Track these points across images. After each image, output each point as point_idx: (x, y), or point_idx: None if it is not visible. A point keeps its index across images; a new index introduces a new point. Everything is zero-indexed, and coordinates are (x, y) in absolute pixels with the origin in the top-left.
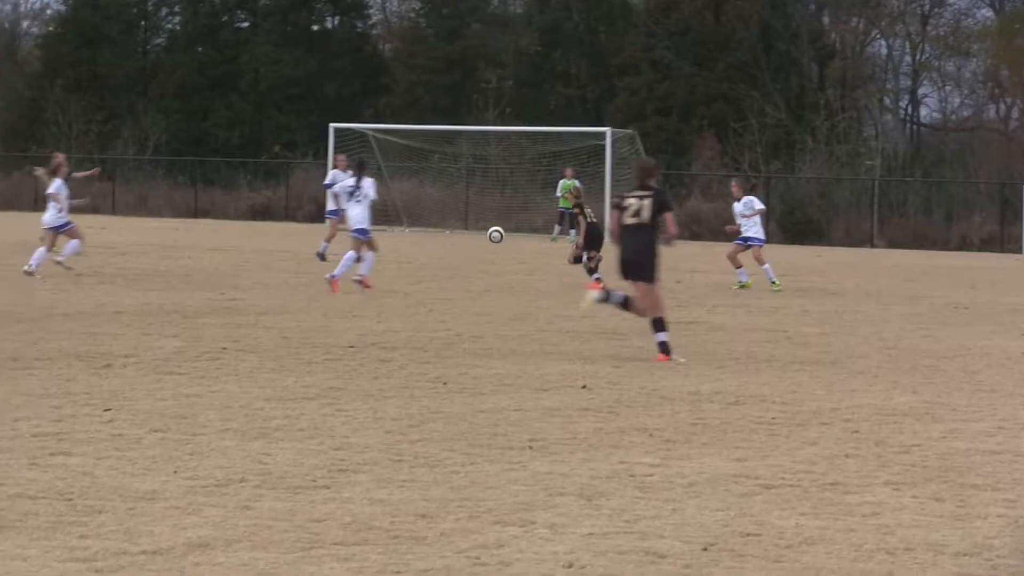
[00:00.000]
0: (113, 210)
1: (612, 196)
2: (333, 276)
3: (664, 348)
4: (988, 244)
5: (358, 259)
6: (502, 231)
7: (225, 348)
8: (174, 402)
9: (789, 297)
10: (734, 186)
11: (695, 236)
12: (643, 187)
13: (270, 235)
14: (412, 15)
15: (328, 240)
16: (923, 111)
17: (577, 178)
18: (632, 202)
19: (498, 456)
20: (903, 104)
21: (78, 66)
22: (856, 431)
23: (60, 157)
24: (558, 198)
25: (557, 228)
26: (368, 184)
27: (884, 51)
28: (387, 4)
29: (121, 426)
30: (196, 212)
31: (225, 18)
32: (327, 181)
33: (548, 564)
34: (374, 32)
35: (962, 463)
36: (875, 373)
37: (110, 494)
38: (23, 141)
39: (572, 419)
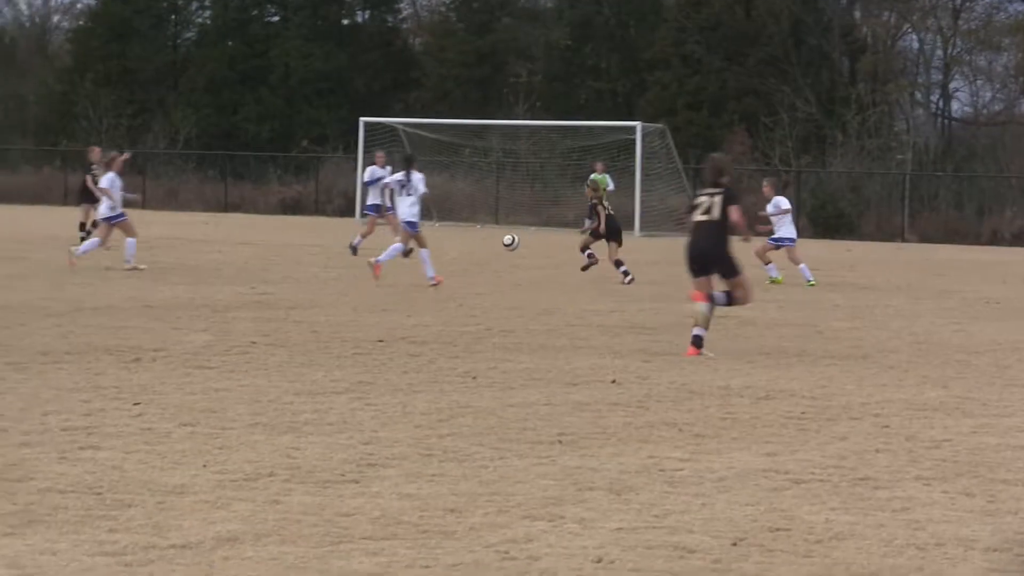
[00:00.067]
0: (143, 204)
1: (640, 191)
2: (377, 260)
3: (697, 343)
4: (1019, 238)
5: (406, 253)
6: (517, 237)
7: (255, 342)
8: (203, 396)
9: (820, 292)
10: (766, 186)
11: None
12: (715, 184)
13: (300, 229)
14: (442, 9)
15: (364, 236)
16: (954, 105)
17: (608, 172)
18: (703, 199)
19: (527, 450)
20: (934, 98)
21: (108, 60)
22: (886, 426)
23: (116, 154)
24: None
25: (588, 222)
26: (418, 178)
27: (915, 45)
28: None
29: (150, 420)
30: (226, 206)
31: (255, 12)
32: (366, 178)
33: (577, 558)
34: (404, 26)
35: (993, 458)
36: (906, 368)
37: (139, 488)
38: (54, 135)
39: (602, 414)
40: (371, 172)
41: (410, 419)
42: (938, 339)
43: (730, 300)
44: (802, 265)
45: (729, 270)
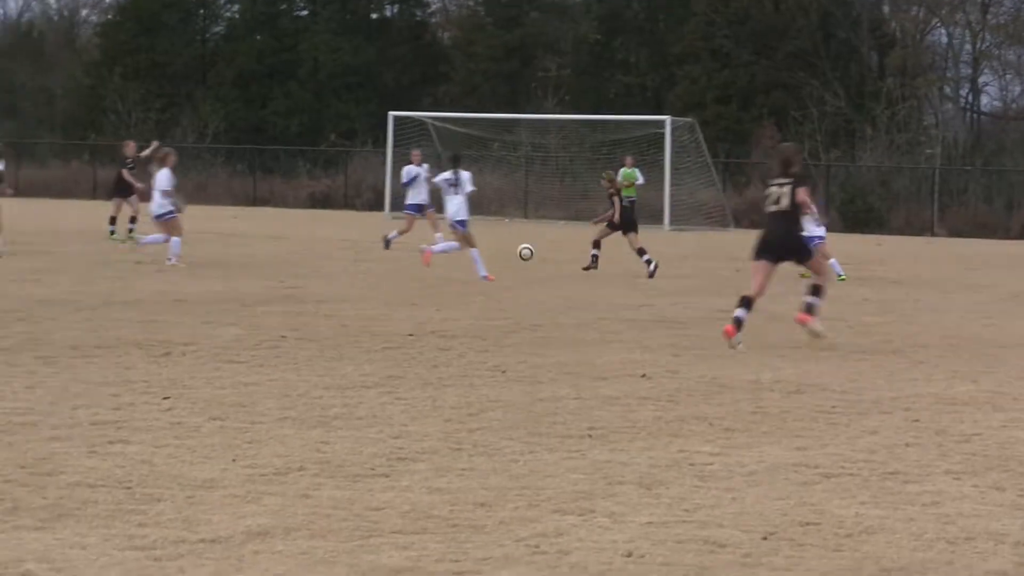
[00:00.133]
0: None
1: (669, 185)
2: (431, 248)
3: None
4: None
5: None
6: (532, 248)
7: (284, 336)
8: (233, 390)
9: (849, 286)
10: None
11: (755, 224)
12: (784, 174)
13: (329, 223)
14: (471, 3)
15: (402, 233)
16: (983, 99)
17: (637, 166)
18: (773, 190)
19: (557, 445)
20: (963, 92)
21: (137, 54)
22: (917, 420)
23: (168, 150)
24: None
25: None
26: (465, 177)
27: (944, 39)
28: None
29: (180, 414)
30: (255, 200)
31: (284, 6)
32: (404, 179)
33: (607, 553)
34: (433, 20)
35: (1023, 452)
36: (936, 362)
37: (169, 482)
38: (82, 129)
39: (632, 408)
40: (407, 172)
41: (440, 413)
42: (968, 333)
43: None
44: (832, 260)
45: (804, 255)
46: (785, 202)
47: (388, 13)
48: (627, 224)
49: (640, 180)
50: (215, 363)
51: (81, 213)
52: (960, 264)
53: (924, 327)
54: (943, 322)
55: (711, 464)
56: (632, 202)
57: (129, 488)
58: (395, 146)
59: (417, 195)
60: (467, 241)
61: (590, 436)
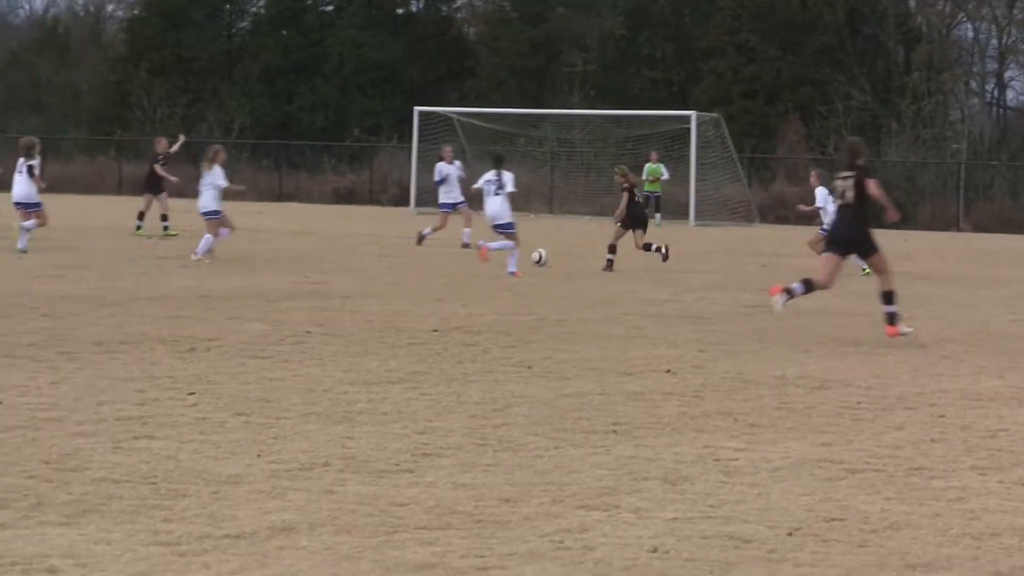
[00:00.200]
0: (197, 193)
1: (695, 180)
2: (489, 245)
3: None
4: None
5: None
6: (543, 253)
7: (309, 332)
8: (258, 386)
9: (874, 281)
10: (812, 176)
11: (780, 220)
12: (850, 167)
13: (354, 219)
14: None
15: (436, 229)
16: (1009, 94)
17: (662, 161)
18: (838, 183)
19: (582, 440)
20: (989, 87)
21: (163, 49)
22: (942, 416)
23: (218, 147)
24: (644, 181)
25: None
26: (508, 178)
27: (970, 34)
28: None
29: (205, 410)
30: (280, 196)
31: (310, 1)
32: (437, 178)
33: (632, 548)
34: (459, 16)
35: None
36: (961, 357)
37: (194, 478)
38: (108, 124)
39: (656, 403)
40: (439, 170)
41: (465, 409)
42: (994, 328)
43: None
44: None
45: (867, 250)
46: (850, 195)
47: (414, 8)
48: (636, 220)
49: (665, 175)
50: (240, 359)
51: (106, 209)
52: (986, 259)
53: (949, 322)
54: (968, 317)
55: (736, 460)
56: (657, 197)
57: (154, 484)
58: (420, 141)
59: (450, 194)
60: (510, 239)
61: (615, 432)
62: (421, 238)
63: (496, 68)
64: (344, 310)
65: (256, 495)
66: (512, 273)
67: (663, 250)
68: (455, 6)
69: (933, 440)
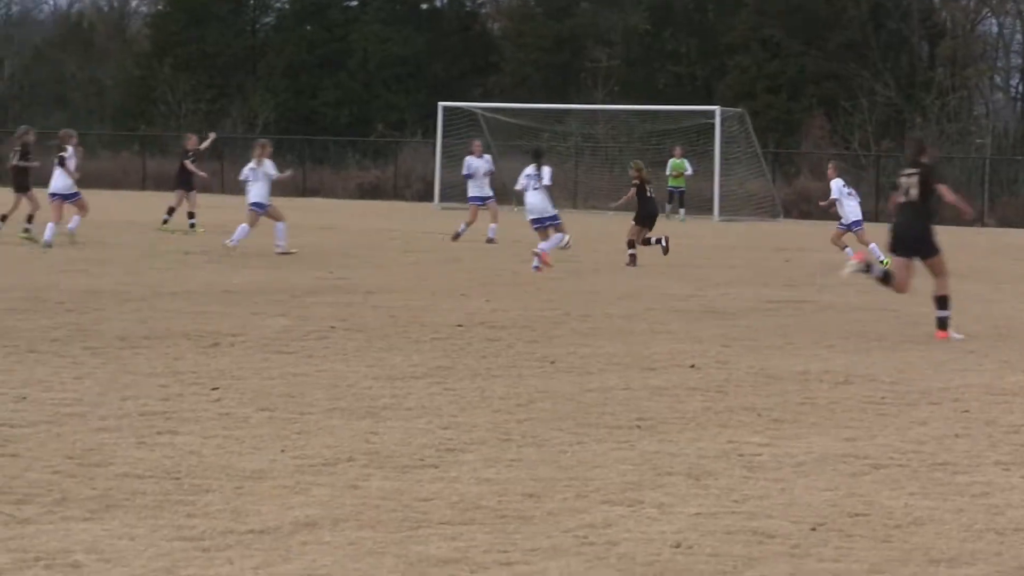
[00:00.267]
0: (222, 189)
1: (719, 175)
2: (544, 249)
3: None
4: None
5: (565, 242)
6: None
7: (333, 327)
8: (282, 381)
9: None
10: (830, 168)
11: (804, 215)
12: (913, 164)
13: (378, 214)
14: None
15: (469, 224)
16: None
17: (686, 157)
18: (903, 180)
19: (606, 435)
20: (1014, 83)
21: (187, 45)
22: (966, 411)
23: (264, 140)
24: (667, 177)
25: (668, 207)
26: (546, 172)
27: (995, 29)
28: None
29: (228, 405)
30: (304, 191)
31: None
32: (465, 171)
33: (656, 544)
34: (483, 11)
35: None
36: (985, 352)
37: (217, 473)
38: (132, 120)
39: (680, 398)
40: (468, 163)
41: (488, 404)
42: (1019, 323)
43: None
44: (873, 244)
45: (928, 251)
46: (914, 193)
47: (438, 3)
48: (646, 216)
49: (689, 171)
50: (264, 354)
51: (130, 204)
52: (1010, 254)
53: (974, 317)
54: (993, 312)
55: (760, 455)
56: (681, 192)
57: (177, 479)
58: (444, 137)
59: (480, 188)
60: (557, 228)
61: (639, 427)
62: (457, 235)
63: (520, 63)
64: (368, 305)
65: (279, 490)
66: (538, 255)
67: (663, 242)
68: (479, 1)
69: (957, 435)
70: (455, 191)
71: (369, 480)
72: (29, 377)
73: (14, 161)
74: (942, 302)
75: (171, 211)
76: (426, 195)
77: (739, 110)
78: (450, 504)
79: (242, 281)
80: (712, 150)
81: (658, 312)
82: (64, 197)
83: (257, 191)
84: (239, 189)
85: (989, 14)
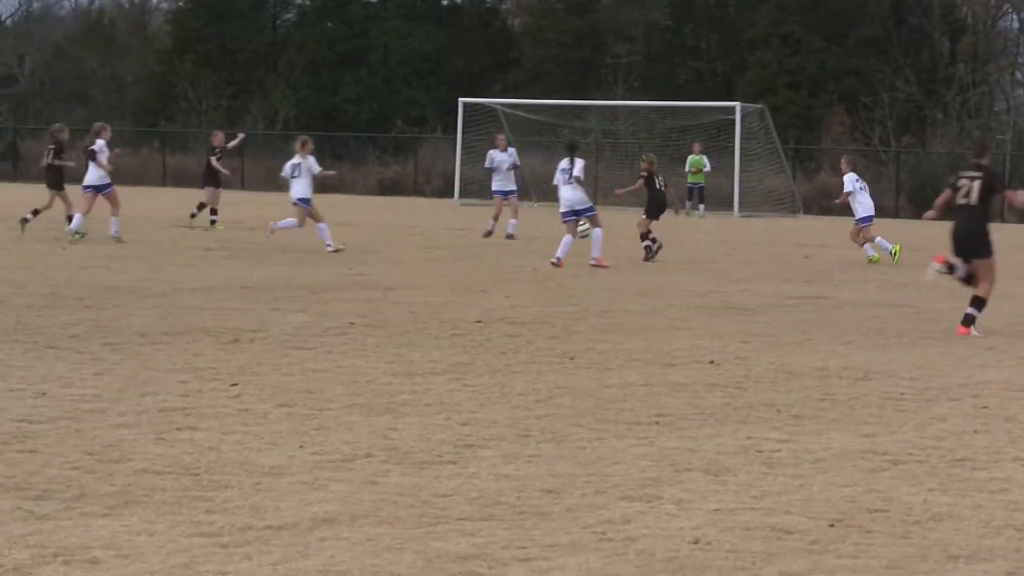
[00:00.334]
0: (243, 185)
1: (739, 172)
2: (597, 255)
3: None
4: None
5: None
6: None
7: (352, 323)
8: (301, 377)
9: (918, 272)
10: (844, 163)
11: (824, 211)
12: (976, 167)
13: (398, 210)
14: None
15: (496, 218)
16: None
17: (705, 153)
18: (963, 182)
19: (625, 431)
20: None
21: (208, 41)
22: (985, 407)
23: (305, 138)
24: (687, 173)
25: (688, 204)
26: (579, 165)
27: (1016, 25)
28: None
29: (247, 401)
30: (325, 187)
31: None
32: (488, 164)
33: (674, 540)
34: (503, 7)
35: None
36: (1005, 348)
37: (236, 469)
38: (153, 116)
39: (699, 394)
40: (491, 157)
41: (508, 400)
42: None
43: (970, 280)
44: (879, 239)
45: (982, 252)
46: (973, 197)
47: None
48: (655, 208)
49: (707, 167)
50: (283, 350)
51: (151, 200)
52: None
53: (993, 313)
54: (1012, 308)
55: (779, 451)
56: (701, 188)
57: (196, 475)
58: (465, 133)
59: (504, 182)
60: (592, 222)
61: (658, 423)
62: (488, 233)
63: (540, 59)
64: (387, 301)
65: (298, 486)
66: (595, 262)
67: (652, 247)
68: None
69: (976, 431)
70: (475, 187)
71: (387, 476)
72: (48, 373)
73: (48, 160)
74: (978, 303)
75: (201, 207)
76: (446, 191)
77: (759, 106)
78: (468, 500)
79: (262, 277)
80: (732, 146)
81: (678, 308)
82: (97, 189)
83: (301, 187)
84: (259, 185)
85: (1010, 10)
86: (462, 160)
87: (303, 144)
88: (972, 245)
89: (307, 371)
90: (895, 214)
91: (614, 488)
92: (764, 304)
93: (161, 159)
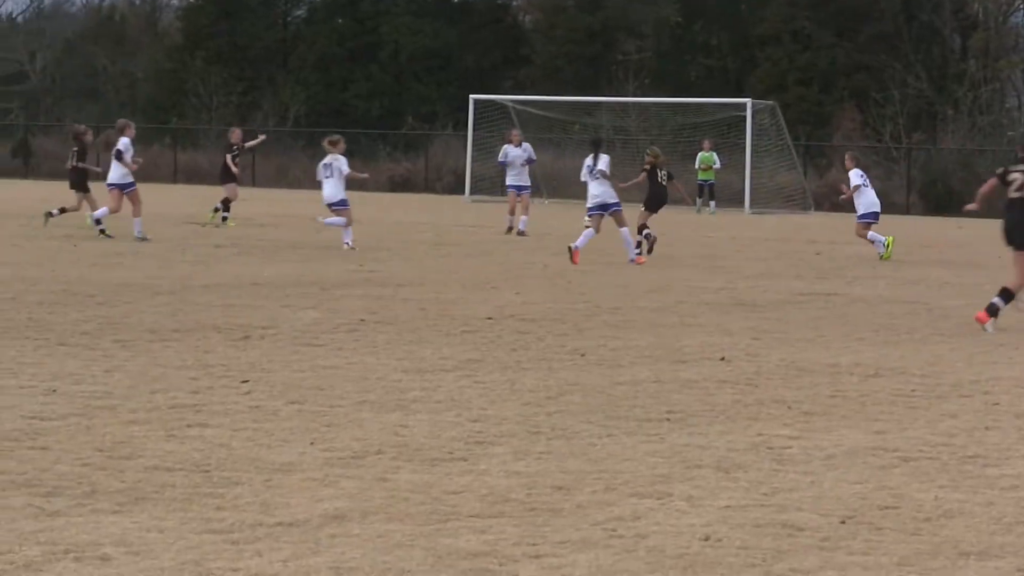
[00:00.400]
0: (253, 182)
1: (750, 168)
2: (640, 255)
3: (993, 311)
4: None
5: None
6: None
7: (363, 320)
8: (311, 374)
9: (929, 269)
10: (848, 159)
11: (835, 208)
12: None
13: (409, 206)
14: None
15: (512, 212)
16: None
17: (715, 150)
18: (1016, 176)
19: (635, 428)
20: None
21: (218, 38)
22: (996, 403)
23: (336, 137)
24: (697, 170)
25: (699, 200)
26: (603, 161)
27: None
28: None
29: (258, 398)
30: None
31: None
32: (501, 158)
33: (685, 536)
34: (514, 3)
35: None
36: (1016, 345)
37: (246, 466)
38: (164, 113)
39: (710, 391)
40: (505, 151)
41: (518, 397)
42: None
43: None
44: (871, 233)
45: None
46: None
47: None
48: (654, 202)
49: (717, 164)
50: (293, 346)
51: (162, 197)
52: None
53: (1004, 311)
54: None
55: (789, 448)
56: (711, 185)
57: (207, 472)
58: (476, 129)
59: (518, 177)
60: (618, 221)
61: (668, 420)
62: (510, 229)
63: (551, 56)
64: (398, 298)
65: (309, 483)
66: (633, 260)
67: (644, 244)
68: None
69: (987, 428)
70: (486, 184)
71: (398, 473)
72: (59, 370)
73: (72, 162)
74: (1007, 294)
75: (226, 202)
76: (457, 188)
77: (770, 103)
78: (479, 497)
79: (272, 274)
80: (743, 143)
81: (688, 305)
82: (121, 187)
83: (334, 188)
84: (270, 182)
85: (1021, 6)
86: (473, 157)
87: (334, 143)
88: (1021, 234)
89: (317, 368)
90: (906, 211)
91: (624, 485)
92: (775, 301)
93: (172, 156)
